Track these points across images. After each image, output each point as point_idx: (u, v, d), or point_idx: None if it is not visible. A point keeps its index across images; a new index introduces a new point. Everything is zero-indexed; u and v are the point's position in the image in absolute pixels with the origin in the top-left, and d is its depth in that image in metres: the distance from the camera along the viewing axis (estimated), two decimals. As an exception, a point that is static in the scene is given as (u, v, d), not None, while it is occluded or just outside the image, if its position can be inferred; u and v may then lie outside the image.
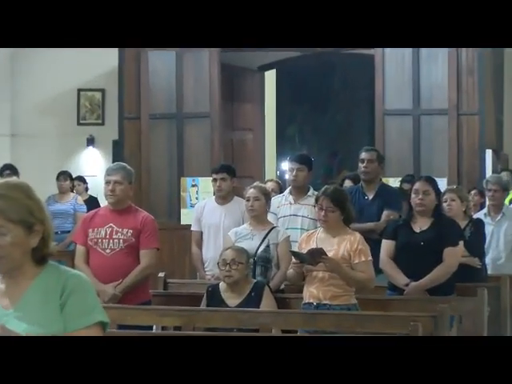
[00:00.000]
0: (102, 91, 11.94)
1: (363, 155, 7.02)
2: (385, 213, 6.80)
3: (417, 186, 5.90)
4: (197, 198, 9.97)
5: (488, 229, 7.10)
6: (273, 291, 5.70)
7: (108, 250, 5.66)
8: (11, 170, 9.25)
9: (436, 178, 6.19)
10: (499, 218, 7.49)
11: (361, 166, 7.01)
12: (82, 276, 2.54)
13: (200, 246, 6.92)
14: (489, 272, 6.92)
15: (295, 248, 5.65)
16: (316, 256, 5.21)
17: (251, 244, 5.94)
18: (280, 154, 15.09)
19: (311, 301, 5.30)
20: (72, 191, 9.92)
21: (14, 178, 2.69)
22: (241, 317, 5.12)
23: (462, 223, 6.41)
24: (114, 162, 8.77)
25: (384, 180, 8.01)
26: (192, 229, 7.07)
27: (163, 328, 5.43)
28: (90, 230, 5.72)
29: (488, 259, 7.09)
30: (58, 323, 2.45)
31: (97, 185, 10.04)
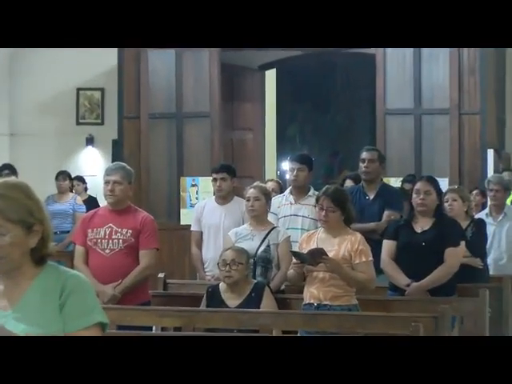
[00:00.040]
0: (102, 90, 11.94)
1: (364, 155, 7.01)
2: (386, 213, 6.79)
3: (418, 185, 5.89)
4: (197, 198, 9.97)
5: (490, 229, 7.10)
6: (273, 292, 5.69)
7: (107, 251, 5.65)
8: (10, 169, 9.24)
9: (437, 178, 6.18)
10: (501, 218, 7.49)
11: (362, 165, 6.99)
12: (82, 276, 2.53)
13: (200, 246, 6.91)
14: (490, 272, 6.88)
15: (296, 248, 5.64)
16: (316, 256, 5.20)
17: (251, 244, 5.93)
18: (280, 154, 15.07)
19: (312, 301, 5.29)
20: (71, 191, 9.93)
21: (12, 178, 2.67)
22: (241, 317, 5.11)
23: (464, 223, 6.41)
24: (113, 161, 8.78)
25: (385, 180, 8.02)
26: (192, 229, 7.06)
27: (163, 329, 5.42)
28: (90, 231, 5.71)
29: (490, 260, 7.06)
30: (57, 324, 2.44)
31: (96, 185, 10.02)
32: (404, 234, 5.82)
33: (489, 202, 7.81)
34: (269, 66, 12.21)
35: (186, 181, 10.22)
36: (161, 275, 6.42)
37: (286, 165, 11.90)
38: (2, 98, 11.94)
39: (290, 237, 6.07)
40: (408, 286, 5.66)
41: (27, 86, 11.88)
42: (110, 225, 5.67)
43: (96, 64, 11.46)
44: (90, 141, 11.96)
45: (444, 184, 7.86)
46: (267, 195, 6.21)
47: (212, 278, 6.56)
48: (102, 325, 2.49)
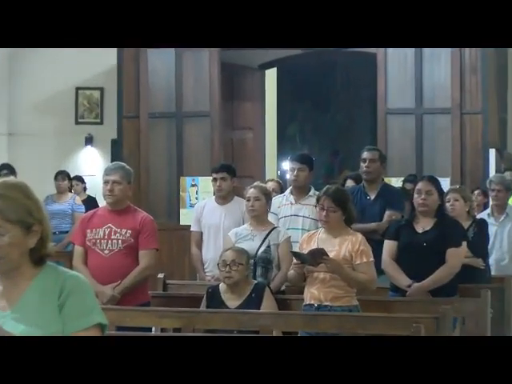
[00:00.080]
0: (101, 90, 11.93)
1: (365, 155, 6.99)
2: (387, 213, 6.77)
3: (419, 185, 5.87)
4: (196, 198, 9.96)
5: (491, 229, 7.08)
6: (273, 292, 5.67)
7: (106, 251, 5.64)
8: (9, 169, 9.23)
9: (439, 178, 6.17)
10: (503, 218, 7.46)
11: (362, 165, 6.98)
12: (81, 277, 2.52)
13: (200, 246, 6.89)
14: (492, 273, 6.86)
15: (296, 249, 5.62)
16: (317, 257, 5.19)
17: (251, 245, 5.91)
18: (281, 154, 15.07)
19: (312, 302, 5.27)
20: (70, 191, 9.93)
21: (11, 178, 2.65)
22: (241, 318, 5.10)
23: (466, 223, 6.40)
24: (112, 161, 8.79)
25: (386, 180, 8.01)
26: (192, 229, 7.04)
27: (162, 330, 5.41)
28: (89, 231, 5.70)
29: (491, 260, 7.04)
30: (56, 325, 2.43)
31: (95, 185, 10.00)
32: (405, 235, 5.81)
33: (490, 202, 7.79)
34: (269, 65, 12.20)
35: (186, 181, 10.21)
36: (160, 276, 6.41)
37: (286, 164, 11.88)
38: (1, 97, 11.93)
39: (290, 237, 6.06)
40: (409, 286, 5.65)
41: (26, 85, 11.87)
42: (110, 225, 5.66)
43: (95, 63, 11.46)
44: (89, 140, 11.95)
45: (445, 184, 7.87)
46: (267, 195, 6.19)
47: (212, 278, 6.54)
48: (102, 326, 2.48)
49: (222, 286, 5.59)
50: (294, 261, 5.34)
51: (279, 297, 5.72)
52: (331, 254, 5.22)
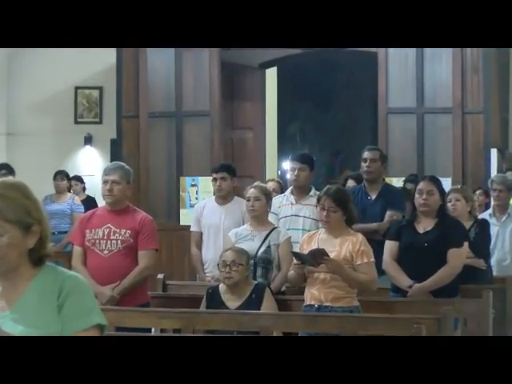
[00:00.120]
0: (100, 89, 11.92)
1: (366, 154, 6.98)
2: (388, 213, 6.76)
3: (421, 185, 5.86)
4: (196, 198, 9.95)
5: (493, 229, 7.06)
6: (274, 293, 5.66)
7: (106, 251, 5.63)
8: (7, 169, 9.20)
9: (440, 178, 6.16)
10: (504, 218, 7.46)
11: (363, 165, 6.97)
12: (80, 277, 2.51)
13: (200, 246, 6.88)
14: (494, 273, 6.87)
15: (296, 249, 5.60)
16: (317, 257, 5.18)
17: (252, 245, 5.90)
18: (281, 153, 15.06)
19: (312, 303, 5.27)
20: (69, 191, 9.91)
21: (10, 178, 2.63)
22: (241, 319, 5.08)
23: (467, 224, 6.38)
24: (112, 161, 8.79)
25: (387, 180, 8.00)
26: (191, 229, 7.02)
27: (162, 330, 5.39)
28: (88, 231, 5.69)
29: (493, 260, 7.04)
30: (55, 325, 2.42)
31: (94, 184, 9.97)
32: (406, 235, 5.80)
33: (492, 203, 7.77)
34: (269, 65, 12.18)
35: (186, 181, 10.20)
36: (160, 276, 6.41)
37: (286, 164, 11.86)
38: (0, 96, 11.89)
39: (290, 237, 6.04)
40: (410, 287, 5.64)
41: (25, 84, 11.87)
42: (109, 225, 5.65)
43: (94, 62, 11.45)
44: (88, 140, 11.94)
45: (447, 184, 7.87)
46: (268, 195, 6.18)
47: (212, 279, 6.53)
48: (101, 326, 2.47)
49: (222, 287, 5.58)
50: (295, 261, 5.33)
51: (279, 297, 5.71)
52: (332, 255, 5.20)
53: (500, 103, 10.57)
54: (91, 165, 11.77)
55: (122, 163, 6.03)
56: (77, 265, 5.66)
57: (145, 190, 10.20)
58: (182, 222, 9.90)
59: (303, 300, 5.35)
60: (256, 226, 6.03)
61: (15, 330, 2.40)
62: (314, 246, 5.29)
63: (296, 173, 6.62)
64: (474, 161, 9.62)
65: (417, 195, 5.82)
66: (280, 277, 5.86)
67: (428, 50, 9.67)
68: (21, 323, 2.42)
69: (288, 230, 6.32)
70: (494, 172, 9.51)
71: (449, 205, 6.44)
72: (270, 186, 7.45)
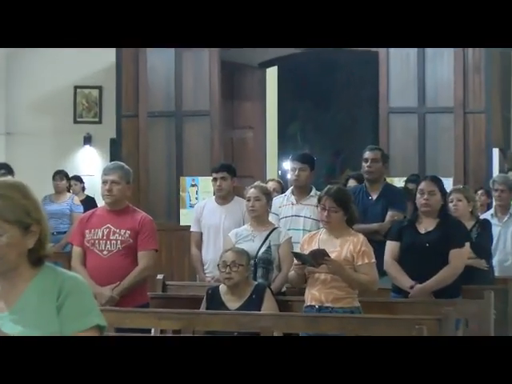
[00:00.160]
0: (100, 88, 11.90)
1: (367, 154, 6.97)
2: (389, 213, 6.74)
3: (422, 185, 5.84)
4: (196, 198, 9.93)
5: (495, 230, 7.06)
6: (274, 294, 5.65)
7: (105, 252, 5.62)
8: (6, 169, 9.17)
9: (442, 178, 6.14)
10: (506, 218, 7.44)
11: (364, 165, 6.95)
12: (79, 278, 2.51)
13: (200, 247, 6.86)
14: (496, 274, 6.87)
15: (297, 249, 5.59)
16: (318, 257, 5.17)
17: (252, 245, 5.89)
18: (281, 153, 15.04)
19: (313, 303, 5.26)
20: (68, 191, 9.90)
21: (9, 178, 2.62)
22: (241, 320, 5.07)
23: (469, 224, 6.39)
24: (111, 161, 8.77)
25: (388, 180, 7.97)
26: (191, 230, 7.01)
27: (162, 331, 5.36)
28: (87, 231, 5.68)
29: (495, 261, 7.04)
30: (55, 326, 2.41)
31: (94, 184, 9.98)
32: (408, 235, 5.79)
33: (494, 203, 7.75)
34: (269, 64, 12.16)
35: (186, 180, 10.18)
36: (160, 277, 6.40)
37: (287, 164, 11.84)
38: (-2, 95, 11.93)
39: (291, 238, 6.03)
40: (412, 287, 5.63)
41: (24, 83, 11.85)
42: (108, 225, 5.64)
43: (94, 61, 11.43)
44: (87, 140, 11.92)
45: (448, 184, 7.89)
46: (268, 195, 6.17)
47: (212, 279, 6.52)
48: (100, 327, 2.47)
49: (222, 287, 5.56)
50: (295, 262, 5.32)
51: (280, 298, 5.70)
52: (332, 255, 5.19)
53: (502, 103, 10.58)
54: (90, 164, 11.76)
55: (122, 163, 6.02)
56: (76, 265, 5.65)
57: (144, 189, 10.18)
58: (182, 223, 9.88)
59: (304, 301, 5.34)
60: (256, 226, 6.02)
61: (14, 330, 2.40)
62: (315, 247, 5.28)
63: (296, 173, 6.61)
64: (475, 161, 9.60)
65: (418, 195, 5.80)
66: (280, 277, 5.85)
67: (429, 50, 9.65)
68: (20, 324, 2.42)
69: (288, 230, 6.31)
70: (495, 172, 9.52)
71: (450, 205, 6.44)
72: (271, 186, 7.44)
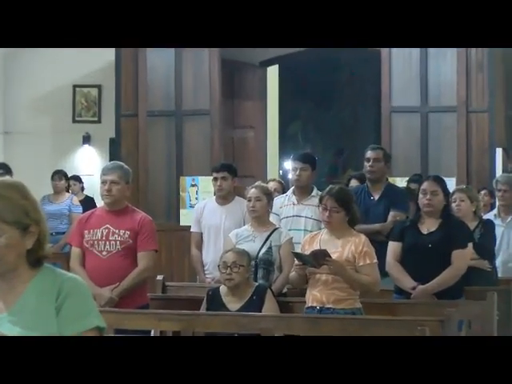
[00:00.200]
0: (99, 87, 11.90)
1: (369, 154, 6.95)
2: (391, 214, 6.72)
3: (424, 185, 5.82)
4: (196, 199, 9.93)
5: (498, 230, 7.04)
6: (275, 295, 5.63)
7: (104, 252, 5.60)
8: (4, 169, 9.16)
9: (444, 178, 6.12)
10: (510, 219, 7.41)
11: (366, 165, 6.93)
12: (78, 279, 2.50)
13: (200, 247, 6.83)
14: (499, 275, 6.84)
15: (298, 250, 5.57)
16: (319, 258, 5.15)
17: (253, 246, 5.86)
18: (283, 153, 15.03)
19: (314, 304, 5.24)
20: (67, 191, 9.89)
21: (8, 178, 2.60)
22: (242, 321, 5.06)
23: (472, 224, 6.38)
24: (110, 160, 8.76)
25: (391, 180, 8.00)
26: (191, 230, 6.98)
27: (162, 333, 5.36)
28: (86, 232, 5.67)
29: (498, 262, 7.00)
30: (54, 327, 2.41)
31: (93, 184, 9.97)
32: (410, 236, 5.76)
33: (497, 203, 7.72)
34: (270, 63, 12.17)
35: (186, 180, 10.18)
36: (159, 278, 6.38)
37: (288, 164, 11.81)
38: (-4, 94, 11.91)
39: (292, 238, 6.01)
40: (414, 288, 5.61)
41: (22, 82, 11.86)
42: (107, 226, 5.62)
43: (93, 60, 11.43)
44: (86, 139, 11.91)
45: (451, 184, 7.87)
46: (269, 195, 6.15)
47: (212, 280, 6.50)
48: (100, 329, 2.46)
49: (223, 289, 5.55)
50: (296, 262, 5.31)
51: (281, 299, 5.68)
52: (334, 256, 5.17)
53: (505, 102, 10.60)
54: (90, 164, 11.75)
55: (121, 163, 6.01)
56: (75, 266, 5.63)
57: (144, 190, 10.18)
58: (182, 223, 9.88)
59: (305, 302, 5.32)
60: (257, 226, 6.00)
61: (13, 331, 2.39)
62: (316, 247, 5.26)
63: (298, 173, 6.58)
64: (478, 160, 9.60)
65: (420, 195, 5.78)
66: (281, 278, 5.83)
67: (432, 48, 9.64)
68: (18, 325, 2.41)
69: (290, 230, 6.28)
70: (499, 172, 9.53)
71: (453, 205, 6.42)
72: (272, 186, 7.42)
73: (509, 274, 7.04)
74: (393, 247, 5.77)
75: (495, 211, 7.54)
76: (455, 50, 9.54)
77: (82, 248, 5.66)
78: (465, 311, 5.38)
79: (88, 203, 9.65)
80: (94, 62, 11.50)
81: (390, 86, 9.82)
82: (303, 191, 6.60)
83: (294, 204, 6.57)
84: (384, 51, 9.78)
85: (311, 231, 6.05)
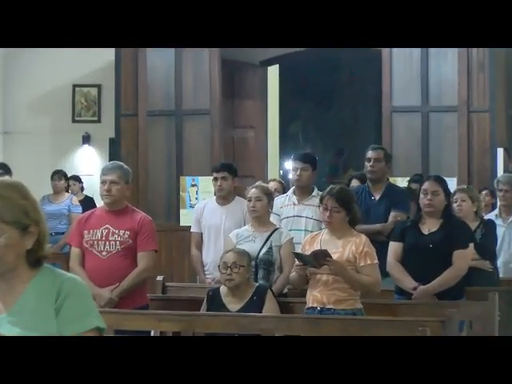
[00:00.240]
0: (98, 87, 11.89)
1: (370, 154, 6.94)
2: (392, 214, 6.71)
3: (425, 185, 5.81)
4: (196, 199, 9.92)
5: (499, 230, 7.04)
6: (275, 295, 5.62)
7: (104, 253, 5.59)
8: (4, 169, 9.14)
9: (445, 178, 6.11)
10: (511, 219, 7.41)
11: (367, 165, 6.92)
12: (78, 280, 2.50)
13: (200, 248, 6.82)
14: (500, 275, 6.84)
15: (298, 250, 5.56)
16: (320, 258, 5.14)
17: (253, 246, 5.85)
18: (283, 153, 15.02)
19: (315, 305, 5.23)
20: (67, 191, 9.89)
21: (7, 178, 2.59)
22: (242, 322, 5.05)
23: (473, 224, 6.37)
24: (110, 160, 8.75)
25: (391, 180, 8.00)
26: (192, 230, 6.97)
27: (161, 333, 5.35)
28: (86, 232, 5.66)
29: (499, 262, 6.99)
30: (53, 328, 2.40)
31: (93, 184, 9.96)
32: (411, 236, 5.76)
33: (498, 203, 7.71)
34: (271, 62, 12.16)
35: (186, 180, 10.17)
36: (159, 278, 6.38)
37: (288, 164, 11.79)
38: (-4, 94, 11.90)
39: (292, 238, 6.00)
40: (415, 289, 5.60)
41: (21, 82, 11.84)
42: (107, 226, 5.61)
43: (93, 60, 11.42)
44: (86, 139, 11.90)
45: (452, 184, 7.87)
46: (269, 195, 6.14)
47: (212, 280, 6.49)
48: (99, 329, 2.46)
49: (223, 289, 5.54)
50: (296, 262, 5.30)
51: (281, 300, 5.67)
52: (334, 256, 5.17)
53: (506, 101, 10.58)
54: (89, 164, 11.74)
55: (121, 163, 5.99)
56: (74, 266, 5.62)
57: (144, 190, 10.17)
58: (182, 223, 9.87)
59: (305, 302, 5.31)
60: (257, 226, 5.98)
61: (12, 332, 2.39)
62: (317, 247, 5.25)
63: (298, 172, 6.57)
64: (479, 160, 9.59)
65: (421, 195, 5.78)
66: (282, 279, 5.82)
67: (433, 48, 9.62)
68: (18, 326, 2.40)
69: (290, 230, 6.27)
70: (500, 172, 9.51)
71: (454, 205, 6.41)
72: (272, 186, 7.41)
73: (510, 274, 7.05)
74: (394, 247, 5.75)
75: (496, 211, 7.54)
76: (456, 49, 9.53)
77: (81, 248, 5.65)
78: (466, 312, 5.38)
79: (88, 203, 9.64)
80: (93, 62, 11.48)
81: (390, 86, 9.81)
82: (304, 191, 6.58)
83: (294, 204, 6.55)
84: (385, 51, 9.77)
85: (312, 231, 6.03)
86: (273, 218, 6.28)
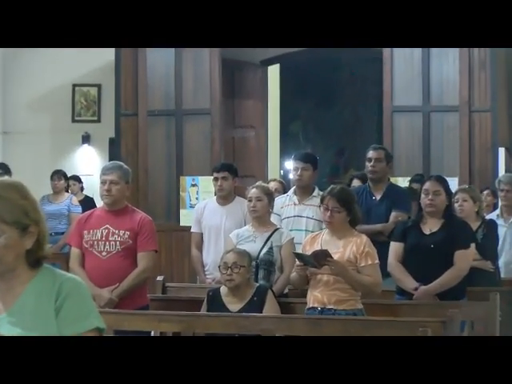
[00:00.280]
0: (98, 87, 11.88)
1: (371, 154, 6.93)
2: (393, 214, 6.70)
3: (427, 185, 5.80)
4: (197, 199, 9.91)
5: (501, 231, 7.03)
6: (276, 295, 5.61)
7: (104, 253, 5.59)
8: (3, 168, 9.16)
9: (447, 178, 6.11)
10: (512, 219, 7.37)
11: (368, 165, 6.92)
12: (78, 280, 2.49)
13: (200, 248, 6.81)
14: (502, 276, 6.82)
15: (299, 250, 5.55)
16: (321, 258, 5.13)
17: (253, 246, 5.84)
18: (284, 153, 15.04)
19: (315, 305, 5.23)
20: (67, 191, 9.89)
21: (7, 178, 2.58)
22: (242, 322, 5.05)
23: (474, 224, 6.36)
24: (110, 160, 8.75)
25: (392, 180, 7.98)
26: (192, 230, 6.96)
27: (162, 334, 5.33)
28: (86, 232, 5.66)
29: (501, 262, 6.99)
30: (53, 328, 2.40)
31: (93, 184, 9.95)
32: (412, 236, 5.75)
33: (500, 203, 7.70)
34: (271, 62, 12.16)
35: (186, 180, 10.16)
36: (159, 278, 6.37)
37: (289, 164, 11.79)
38: (-5, 94, 11.89)
39: (293, 238, 5.99)
40: (416, 289, 5.59)
41: (21, 81, 11.84)
42: (107, 226, 5.61)
43: (92, 59, 11.41)
44: (86, 139, 11.89)
45: (454, 184, 7.88)
46: (270, 195, 6.13)
47: (213, 281, 6.48)
48: (99, 330, 2.46)
49: (223, 289, 5.53)
50: (297, 263, 5.30)
51: (282, 300, 5.67)
52: (335, 256, 5.16)
53: (508, 101, 10.58)
54: (89, 164, 11.74)
55: (121, 163, 5.99)
56: (74, 267, 5.62)
57: (144, 190, 10.16)
58: (182, 223, 9.86)
59: (306, 303, 5.31)
60: (258, 226, 5.98)
61: (12, 332, 2.39)
62: (317, 248, 5.25)
63: (299, 172, 6.56)
64: (481, 160, 9.58)
65: (423, 195, 5.77)
66: (282, 279, 5.81)
67: (434, 48, 9.61)
68: (17, 326, 2.41)
69: (291, 230, 6.26)
70: (501, 171, 9.56)
71: (456, 205, 6.42)
72: (273, 185, 7.40)
73: (511, 274, 7.03)
74: (395, 248, 5.75)
75: (498, 211, 7.54)
76: (457, 49, 9.52)
77: (81, 248, 5.65)
78: (467, 312, 5.37)
79: (87, 203, 9.64)
80: (93, 61, 11.47)
81: (391, 86, 9.80)
82: (304, 191, 6.58)
83: (295, 204, 6.54)
84: (386, 51, 9.76)
85: (312, 231, 6.02)
86: (273, 218, 6.27)
